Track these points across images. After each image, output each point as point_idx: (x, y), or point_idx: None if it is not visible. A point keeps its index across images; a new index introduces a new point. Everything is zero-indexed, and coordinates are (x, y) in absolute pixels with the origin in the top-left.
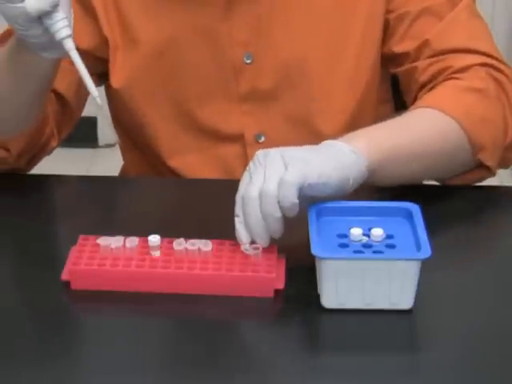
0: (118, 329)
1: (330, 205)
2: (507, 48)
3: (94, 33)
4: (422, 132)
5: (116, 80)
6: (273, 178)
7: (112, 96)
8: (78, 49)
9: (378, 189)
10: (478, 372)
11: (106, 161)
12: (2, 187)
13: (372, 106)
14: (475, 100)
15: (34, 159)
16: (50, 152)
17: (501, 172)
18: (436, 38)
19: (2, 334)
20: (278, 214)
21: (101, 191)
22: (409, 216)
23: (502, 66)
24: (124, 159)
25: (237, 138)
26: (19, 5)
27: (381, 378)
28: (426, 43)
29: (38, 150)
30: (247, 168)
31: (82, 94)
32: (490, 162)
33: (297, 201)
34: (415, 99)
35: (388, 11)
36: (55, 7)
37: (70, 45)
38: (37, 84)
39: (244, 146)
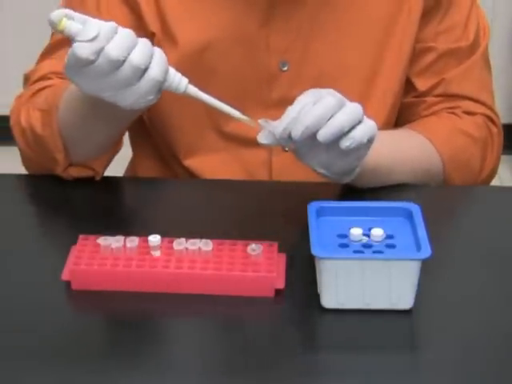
0: (118, 329)
1: (330, 205)
2: (507, 48)
3: (139, 31)
4: (410, 157)
5: None
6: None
7: None
8: None
9: (378, 189)
10: (478, 372)
11: None
12: (2, 187)
13: (392, 125)
14: (464, 144)
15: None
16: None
17: (501, 172)
18: (452, 81)
19: (2, 334)
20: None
21: (101, 191)
22: (409, 216)
23: (496, 120)
24: (135, 157)
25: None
26: (151, 77)
27: (381, 377)
28: (441, 83)
29: (115, 155)
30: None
31: None
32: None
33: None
34: None
35: (416, 40)
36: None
37: (193, 90)
38: (122, 123)
39: (270, 152)
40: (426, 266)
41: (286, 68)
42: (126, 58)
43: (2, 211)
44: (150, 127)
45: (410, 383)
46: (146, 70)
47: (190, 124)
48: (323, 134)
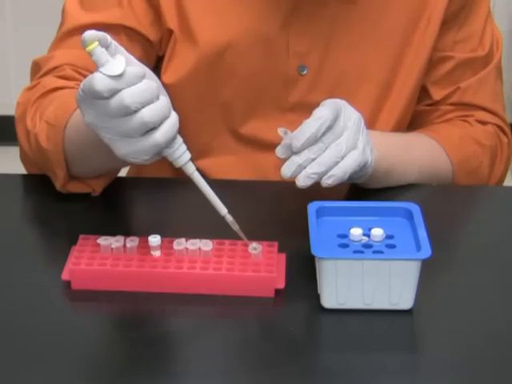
0: (118, 329)
1: (330, 205)
2: (507, 48)
3: (156, 26)
4: (420, 160)
5: (169, 76)
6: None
7: None
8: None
9: (378, 189)
10: (478, 372)
11: None
12: (2, 187)
13: (404, 131)
14: (475, 152)
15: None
16: None
17: None
18: (467, 90)
19: (2, 334)
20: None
21: (101, 191)
22: (409, 216)
23: (507, 130)
24: None
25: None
26: (154, 139)
27: (381, 377)
28: (456, 91)
29: (114, 177)
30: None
31: None
32: None
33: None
34: None
35: (434, 48)
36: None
37: (191, 168)
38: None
39: None
40: (426, 266)
41: (305, 72)
42: (139, 109)
43: (2, 211)
44: None
45: (410, 383)
46: (153, 129)
47: (206, 124)
48: (325, 183)
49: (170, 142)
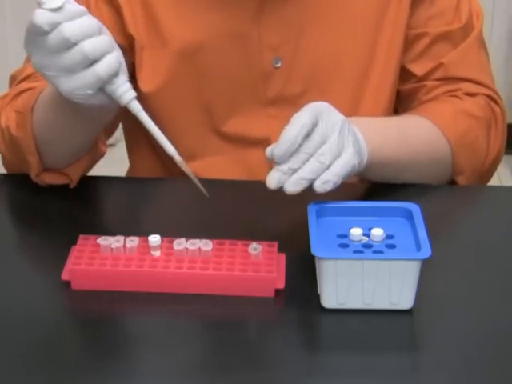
0: (118, 329)
1: (329, 205)
2: (507, 48)
3: (122, 32)
4: (417, 145)
5: (145, 84)
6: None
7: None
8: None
9: (378, 189)
10: (478, 372)
11: (106, 160)
12: (2, 187)
13: (390, 114)
14: (469, 126)
15: (89, 170)
16: (101, 158)
17: (501, 172)
18: (450, 64)
19: (2, 335)
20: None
21: (101, 191)
22: (409, 216)
23: (498, 99)
24: (131, 160)
25: (262, 142)
26: (95, 71)
27: (381, 378)
28: (439, 67)
29: (93, 163)
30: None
31: None
32: (464, 184)
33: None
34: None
35: (408, 27)
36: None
37: (137, 107)
38: (94, 127)
39: None
40: (426, 266)
41: (279, 64)
42: (79, 42)
43: (2, 211)
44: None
45: (410, 383)
46: (95, 62)
47: (188, 127)
48: (320, 189)
49: (112, 77)
